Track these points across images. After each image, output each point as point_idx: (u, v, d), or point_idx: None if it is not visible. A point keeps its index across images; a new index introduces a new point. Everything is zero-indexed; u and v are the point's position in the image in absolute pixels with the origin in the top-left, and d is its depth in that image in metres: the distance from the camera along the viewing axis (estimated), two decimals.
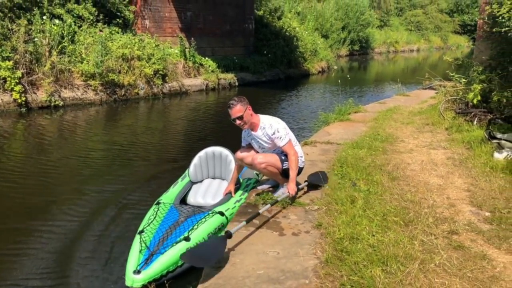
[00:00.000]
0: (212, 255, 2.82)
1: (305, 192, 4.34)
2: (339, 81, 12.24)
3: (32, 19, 11.18)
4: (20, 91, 10.28)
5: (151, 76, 12.93)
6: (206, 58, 15.78)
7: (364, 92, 15.58)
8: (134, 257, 3.38)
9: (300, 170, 4.35)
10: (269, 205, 3.67)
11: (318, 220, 3.65)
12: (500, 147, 5.36)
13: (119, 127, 9.68)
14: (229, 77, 15.87)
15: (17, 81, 10.29)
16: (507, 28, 6.03)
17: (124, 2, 13.91)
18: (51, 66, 10.88)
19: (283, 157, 4.19)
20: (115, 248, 4.10)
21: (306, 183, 4.44)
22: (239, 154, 4.33)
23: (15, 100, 10.24)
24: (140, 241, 3.55)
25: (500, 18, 6.24)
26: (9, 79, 10.14)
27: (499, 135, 5.63)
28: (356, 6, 34.00)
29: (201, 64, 15.37)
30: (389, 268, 2.83)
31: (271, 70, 18.19)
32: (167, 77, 13.60)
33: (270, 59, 18.44)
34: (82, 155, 7.14)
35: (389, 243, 3.14)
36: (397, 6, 49.40)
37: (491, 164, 4.94)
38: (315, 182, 4.47)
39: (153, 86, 13.09)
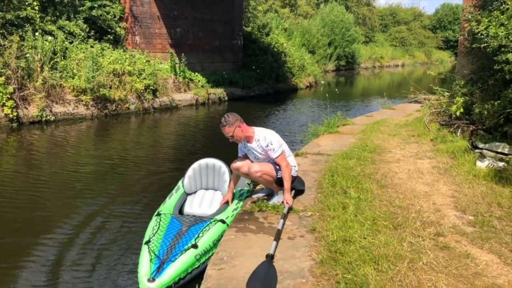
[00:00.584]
0: (271, 279, 2.92)
1: (294, 197, 4.52)
2: (326, 95, 12.53)
3: (24, 35, 11.31)
4: (12, 106, 10.36)
5: (142, 91, 13.10)
6: (196, 73, 16.02)
7: (352, 106, 15.93)
8: (145, 266, 3.52)
9: (293, 179, 4.54)
10: (282, 220, 3.84)
11: (312, 225, 3.83)
12: (482, 156, 5.62)
13: (110, 141, 9.76)
14: (219, 92, 16.11)
15: (9, 96, 10.38)
16: (485, 44, 6.36)
17: (115, 19, 14.12)
18: (43, 82, 11.00)
19: (277, 166, 4.38)
20: (114, 258, 4.18)
21: (294, 190, 4.63)
22: (235, 164, 4.52)
23: (6, 115, 10.31)
24: (149, 250, 3.69)
25: (479, 35, 6.58)
26: (0, 94, 10.22)
27: (481, 145, 5.90)
28: (342, 23, 34.77)
29: (191, 79, 15.60)
30: (380, 267, 3.01)
31: (260, 85, 18.50)
32: (157, 92, 13.78)
33: (258, 74, 18.77)
34: (73, 169, 7.16)
35: (379, 245, 3.32)
36: (382, 23, 50.59)
37: (474, 172, 5.20)
38: (299, 187, 4.73)
39: (144, 101, 13.25)
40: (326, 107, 10.29)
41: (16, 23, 11.52)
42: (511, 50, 5.74)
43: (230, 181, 4.80)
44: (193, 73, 15.81)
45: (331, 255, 3.22)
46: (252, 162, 4.45)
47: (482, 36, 6.52)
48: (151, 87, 13.41)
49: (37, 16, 11.99)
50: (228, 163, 4.80)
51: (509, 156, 5.51)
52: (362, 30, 42.58)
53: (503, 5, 6.11)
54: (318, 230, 3.70)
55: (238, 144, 4.57)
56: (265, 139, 4.32)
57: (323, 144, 7.16)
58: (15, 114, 10.39)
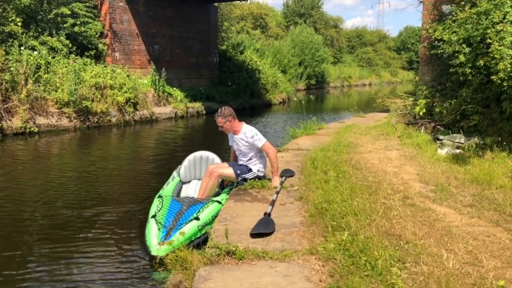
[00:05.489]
0: (271, 224, 3.58)
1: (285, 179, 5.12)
2: (302, 102, 13.23)
3: (8, 49, 11.62)
4: None
5: (123, 104, 13.50)
6: (174, 88, 16.56)
7: (325, 117, 16.74)
8: (154, 233, 4.04)
9: (259, 178, 5.10)
10: (276, 195, 4.43)
11: (299, 195, 4.43)
12: (442, 145, 6.41)
13: (92, 152, 9.85)
14: (197, 106, 16.69)
15: None
16: (442, 50, 7.24)
17: (96, 36, 14.58)
18: (27, 94, 11.26)
19: (238, 172, 5.01)
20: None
21: (285, 178, 5.23)
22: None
23: None
24: (156, 222, 4.22)
25: (436, 42, 7.48)
26: None
27: (441, 137, 6.71)
28: (311, 43, 36.14)
29: (170, 94, 16.12)
30: (359, 217, 3.62)
31: (236, 100, 19.17)
32: (138, 105, 14.22)
33: (234, 90, 19.50)
34: (55, 179, 7.07)
35: (357, 204, 3.94)
36: (349, 44, 52.68)
37: (435, 157, 5.96)
38: (288, 174, 5.37)
39: (125, 113, 13.65)
40: (302, 113, 10.93)
41: (0, 37, 11.84)
42: (464, 55, 6.61)
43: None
44: (172, 88, 16.35)
45: (317, 211, 3.82)
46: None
47: (439, 44, 7.41)
48: (132, 101, 13.84)
49: (20, 31, 12.33)
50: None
51: (464, 144, 6.32)
52: (330, 51, 44.23)
53: (455, 16, 7.03)
54: (305, 198, 4.30)
55: (228, 134, 5.31)
56: (251, 131, 5.09)
57: (301, 143, 7.81)
58: None
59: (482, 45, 6.02)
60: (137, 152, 10.29)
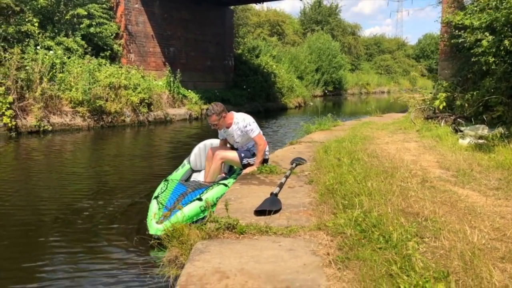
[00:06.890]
0: (277, 202, 3.38)
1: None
2: (318, 105, 12.98)
3: (24, 49, 11.69)
4: (11, 115, 10.57)
5: (137, 104, 13.43)
6: (189, 90, 16.48)
7: (341, 118, 16.41)
8: (154, 212, 3.86)
9: (265, 161, 4.96)
10: (285, 178, 4.20)
11: (309, 179, 4.16)
12: (463, 136, 6.06)
13: (105, 152, 9.68)
14: None
15: (8, 106, 10.60)
16: (463, 39, 6.92)
17: (112, 37, 14.62)
18: (42, 93, 11.26)
19: (242, 155, 4.83)
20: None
21: (295, 164, 4.98)
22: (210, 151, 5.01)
23: (5, 124, 10.49)
24: (157, 202, 4.05)
25: (456, 31, 7.16)
26: (0, 104, 10.45)
27: (462, 128, 6.36)
28: (328, 50, 35.81)
29: (184, 96, 16.04)
30: (373, 197, 3.34)
31: (250, 103, 19.01)
32: (152, 106, 14.14)
33: (249, 93, 19.34)
34: (64, 178, 6.86)
35: (371, 186, 3.65)
36: (367, 52, 52.13)
37: (457, 147, 5.61)
38: (299, 161, 5.13)
39: (139, 114, 13.58)
40: (318, 116, 10.58)
41: (17, 37, 11.93)
42: (486, 40, 6.27)
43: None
44: (186, 90, 16.27)
45: (328, 192, 3.54)
46: (232, 146, 5.02)
47: (460, 33, 7.09)
48: (146, 101, 13.77)
49: (36, 31, 12.42)
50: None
51: (487, 134, 5.96)
52: (348, 58, 43.82)
53: (476, 2, 6.72)
54: (316, 181, 4.03)
55: (219, 131, 5.06)
56: (244, 120, 4.81)
57: (315, 137, 7.55)
58: (13, 123, 10.60)
59: (506, 28, 5.70)
60: (149, 152, 10.10)
